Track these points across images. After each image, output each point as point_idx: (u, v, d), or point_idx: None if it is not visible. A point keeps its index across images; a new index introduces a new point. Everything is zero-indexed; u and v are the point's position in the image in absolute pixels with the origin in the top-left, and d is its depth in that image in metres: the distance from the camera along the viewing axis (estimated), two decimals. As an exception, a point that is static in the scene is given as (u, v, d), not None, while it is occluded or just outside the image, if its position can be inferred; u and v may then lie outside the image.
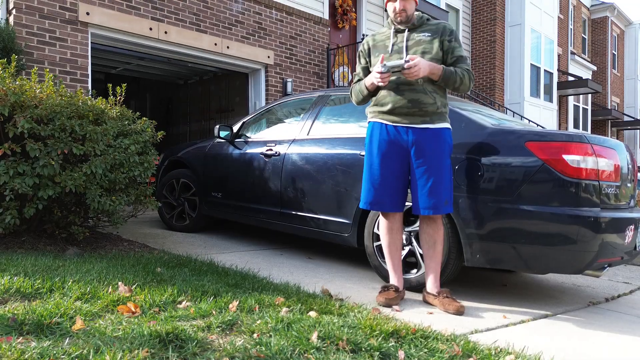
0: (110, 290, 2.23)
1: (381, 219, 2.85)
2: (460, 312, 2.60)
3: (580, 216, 2.60)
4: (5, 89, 3.01)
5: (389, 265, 2.88)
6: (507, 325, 2.48)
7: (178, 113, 11.28)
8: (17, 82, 3.20)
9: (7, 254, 2.99)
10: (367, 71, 2.92)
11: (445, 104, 2.76)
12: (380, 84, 2.61)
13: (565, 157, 2.66)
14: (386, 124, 2.72)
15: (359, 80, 2.93)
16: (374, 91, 2.80)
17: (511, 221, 2.75)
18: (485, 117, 3.28)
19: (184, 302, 2.23)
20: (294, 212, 3.92)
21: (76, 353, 1.47)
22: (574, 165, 2.64)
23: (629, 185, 3.09)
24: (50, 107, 3.16)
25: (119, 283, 2.30)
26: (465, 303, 2.91)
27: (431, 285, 2.79)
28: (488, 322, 2.51)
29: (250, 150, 4.38)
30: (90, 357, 1.45)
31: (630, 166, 3.11)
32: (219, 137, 4.63)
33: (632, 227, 2.86)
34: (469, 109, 3.40)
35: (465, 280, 3.62)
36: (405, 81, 2.64)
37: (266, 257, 3.97)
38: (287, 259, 3.96)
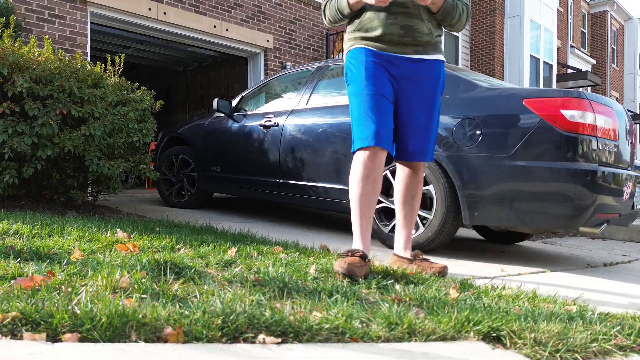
0: (109, 235, 2.23)
1: (357, 160, 2.13)
2: (445, 272, 2.23)
3: (578, 171, 2.61)
4: (4, 49, 3.01)
5: (355, 226, 2.15)
6: (504, 276, 2.49)
7: (177, 101, 11.28)
8: (17, 44, 3.20)
9: (5, 213, 2.99)
10: None
11: (440, 34, 2.31)
12: (381, 4, 2.06)
13: (564, 112, 2.66)
14: (371, 49, 2.18)
15: None
16: (356, 12, 2.24)
17: (509, 178, 2.76)
18: (484, 80, 3.29)
19: (182, 249, 2.23)
20: (292, 182, 3.92)
21: (74, 271, 1.47)
22: (573, 120, 2.65)
23: (627, 147, 3.09)
24: (49, 68, 3.16)
25: (118, 230, 2.30)
26: (462, 261, 2.92)
27: (403, 247, 2.37)
28: (486, 273, 2.52)
29: (249, 123, 4.38)
30: (88, 274, 1.45)
31: (628, 129, 3.12)
32: (217, 109, 4.62)
33: (630, 184, 2.87)
34: (469, 74, 3.41)
35: (462, 247, 3.64)
36: (398, 2, 2.14)
37: (265, 227, 3.98)
38: (286, 228, 3.96)
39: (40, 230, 2.24)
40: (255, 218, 4.55)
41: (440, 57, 2.27)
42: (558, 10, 16.97)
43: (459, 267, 2.67)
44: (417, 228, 3.06)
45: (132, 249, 1.99)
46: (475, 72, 3.86)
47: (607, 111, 2.83)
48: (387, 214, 3.28)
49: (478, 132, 2.87)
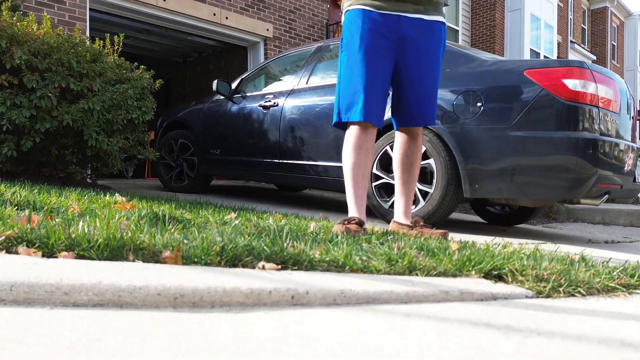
0: (107, 198, 2.22)
1: (350, 132, 2.18)
2: (445, 237, 2.15)
3: (579, 140, 2.60)
4: (2, 21, 2.99)
5: (350, 196, 2.16)
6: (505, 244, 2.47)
7: (177, 93, 11.25)
8: (15, 18, 3.18)
9: (3, 182, 2.98)
10: None
11: None
12: None
13: (566, 81, 2.65)
14: (370, 10, 2.13)
15: None
16: None
17: (511, 149, 2.74)
18: (484, 55, 3.27)
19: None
20: (293, 162, 3.90)
21: (70, 217, 1.45)
22: (575, 90, 2.63)
23: (628, 121, 3.08)
24: (48, 42, 3.14)
25: (116, 194, 2.29)
26: (463, 235, 2.91)
27: (403, 214, 2.34)
28: (487, 241, 2.51)
29: (249, 104, 4.36)
30: (87, 218, 1.43)
31: (630, 102, 3.10)
32: (216, 91, 4.60)
33: (632, 156, 2.86)
34: (469, 49, 3.39)
35: (462, 226, 3.62)
36: None
37: (265, 206, 3.97)
38: (286, 207, 3.95)
39: (39, 194, 2.22)
40: (254, 201, 4.54)
41: (441, 18, 2.23)
42: (558, 5, 16.95)
43: (460, 238, 2.65)
44: (417, 202, 3.04)
45: (130, 209, 1.98)
46: (475, 49, 3.85)
47: (609, 82, 2.81)
48: (387, 190, 3.26)
49: (479, 104, 2.86)
